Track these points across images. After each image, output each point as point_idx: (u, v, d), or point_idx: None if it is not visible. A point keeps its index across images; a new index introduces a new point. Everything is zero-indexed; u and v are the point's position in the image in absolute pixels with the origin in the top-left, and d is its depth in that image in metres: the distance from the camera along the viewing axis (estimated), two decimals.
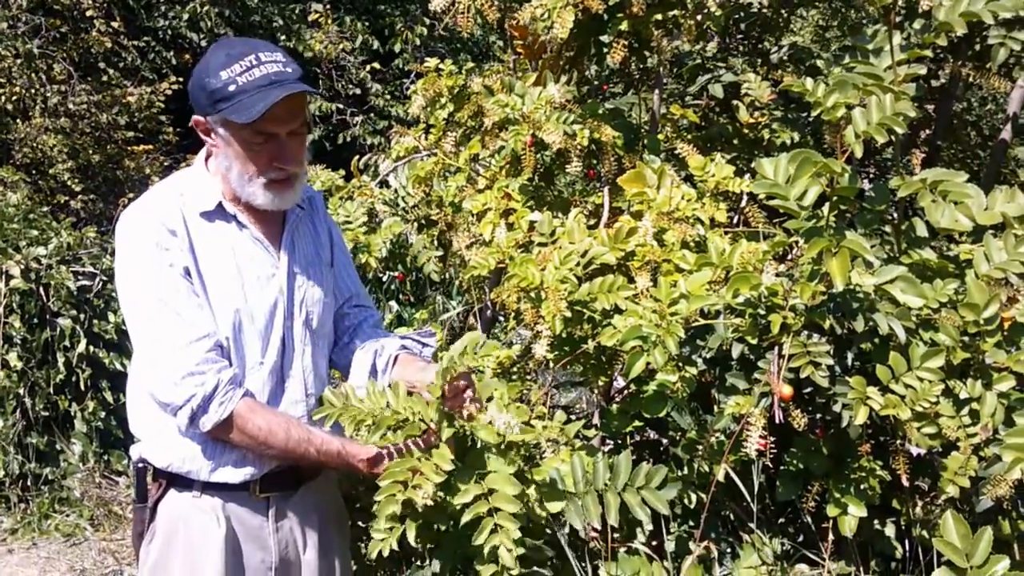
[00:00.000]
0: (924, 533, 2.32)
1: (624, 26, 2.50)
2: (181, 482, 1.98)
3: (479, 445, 1.96)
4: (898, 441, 2.17)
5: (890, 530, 2.42)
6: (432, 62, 2.85)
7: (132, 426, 2.03)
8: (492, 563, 1.87)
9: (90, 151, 8.71)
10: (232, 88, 1.85)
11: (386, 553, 1.89)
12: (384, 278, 5.84)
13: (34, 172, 8.42)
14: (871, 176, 3.95)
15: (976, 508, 2.31)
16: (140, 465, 2.02)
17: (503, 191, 2.53)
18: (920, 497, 2.40)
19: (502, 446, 1.92)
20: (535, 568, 2.09)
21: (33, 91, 8.41)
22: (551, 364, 2.38)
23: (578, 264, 2.21)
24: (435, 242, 2.95)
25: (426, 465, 1.83)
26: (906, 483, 2.23)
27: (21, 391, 4.82)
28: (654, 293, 2.07)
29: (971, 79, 2.56)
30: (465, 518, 1.85)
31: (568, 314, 2.12)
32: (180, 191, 1.98)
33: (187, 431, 1.92)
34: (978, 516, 2.31)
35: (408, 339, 2.19)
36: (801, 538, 2.49)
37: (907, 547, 2.43)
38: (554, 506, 2.07)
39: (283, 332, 2.01)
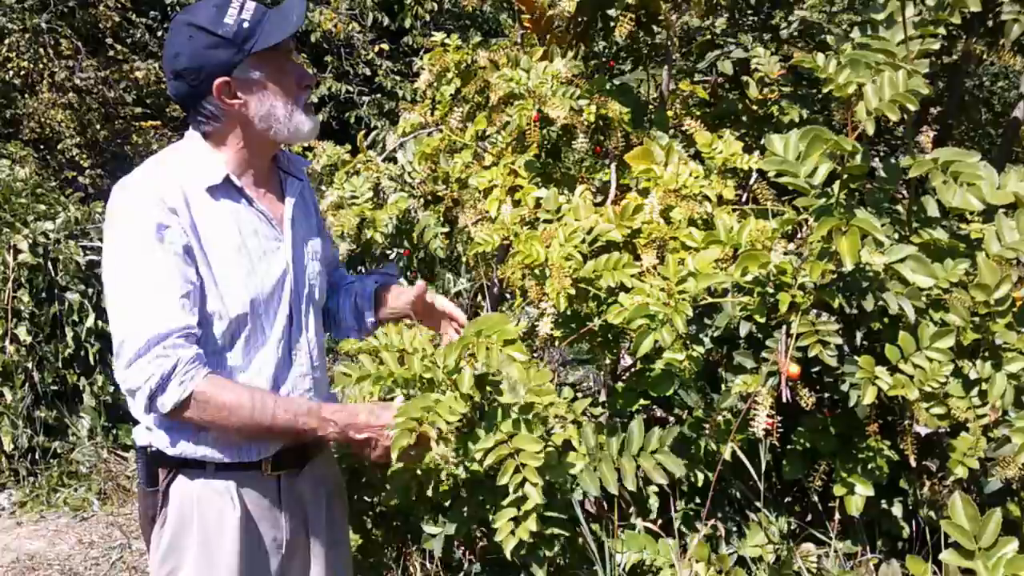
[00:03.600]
0: (931, 514, 2.31)
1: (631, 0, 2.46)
2: (193, 465, 1.95)
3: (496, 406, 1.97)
4: (906, 421, 2.15)
5: (898, 510, 2.41)
6: (439, 36, 2.82)
7: (135, 412, 1.97)
8: (513, 508, 1.89)
9: (97, 126, 8.72)
10: (247, 25, 1.86)
11: (402, 502, 1.89)
12: (392, 255, 5.82)
13: (42, 147, 8.43)
14: (882, 154, 3.92)
15: (984, 489, 2.30)
16: (150, 450, 1.96)
17: (509, 167, 2.51)
18: (928, 477, 2.39)
19: (524, 407, 1.94)
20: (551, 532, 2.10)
21: (40, 66, 8.41)
22: (557, 342, 2.37)
23: (583, 241, 2.19)
24: (441, 219, 2.93)
25: (440, 405, 1.84)
26: (914, 463, 2.22)
27: (30, 365, 4.85)
28: (662, 271, 2.05)
29: (983, 56, 2.53)
30: (488, 460, 1.85)
31: (572, 291, 2.11)
32: (179, 167, 1.93)
33: (148, 413, 1.89)
34: (987, 497, 2.31)
35: (376, 275, 2.28)
36: (808, 517, 2.49)
37: (914, 527, 2.42)
38: (575, 468, 2.08)
39: (290, 306, 2.01)
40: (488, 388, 2.01)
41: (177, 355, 1.80)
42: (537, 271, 2.18)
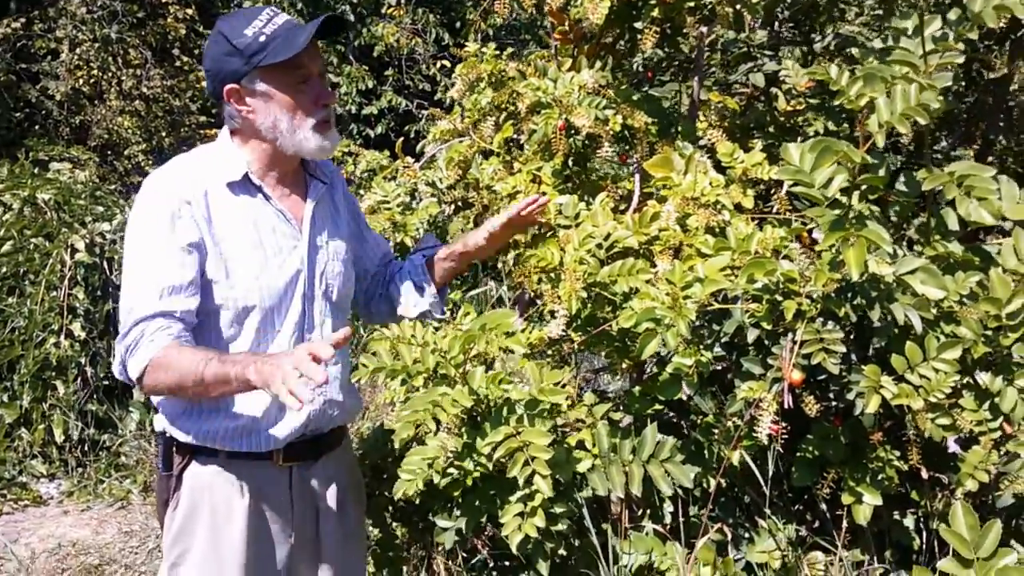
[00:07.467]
0: (942, 525, 2.31)
1: (656, 12, 2.50)
2: (206, 452, 2.03)
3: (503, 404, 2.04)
4: (911, 432, 2.16)
5: (909, 521, 2.41)
6: (472, 47, 2.88)
7: (154, 399, 2.07)
8: (520, 503, 1.97)
9: (163, 134, 8.99)
10: (263, 38, 1.94)
11: (411, 493, 1.96)
12: None
13: (108, 153, 8.71)
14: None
15: (996, 504, 2.29)
16: (166, 435, 2.06)
17: (532, 174, 2.56)
18: (940, 490, 2.39)
19: (531, 403, 2.01)
20: (555, 531, 2.15)
21: (109, 75, 8.69)
22: (575, 345, 2.41)
23: (599, 246, 2.23)
24: (471, 224, 2.98)
25: (445, 399, 1.91)
26: (925, 475, 2.22)
27: (83, 360, 5.02)
28: (668, 276, 2.09)
29: (1008, 71, 2.52)
30: (498, 453, 1.94)
31: (584, 294, 2.15)
32: (204, 162, 2.04)
33: (126, 380, 1.94)
34: (998, 512, 2.30)
35: (420, 251, 2.34)
36: (817, 525, 2.49)
37: (925, 539, 2.41)
38: (583, 465, 2.16)
39: (303, 304, 2.07)
40: (501, 385, 2.07)
41: (146, 327, 1.88)
42: (552, 275, 2.23)
